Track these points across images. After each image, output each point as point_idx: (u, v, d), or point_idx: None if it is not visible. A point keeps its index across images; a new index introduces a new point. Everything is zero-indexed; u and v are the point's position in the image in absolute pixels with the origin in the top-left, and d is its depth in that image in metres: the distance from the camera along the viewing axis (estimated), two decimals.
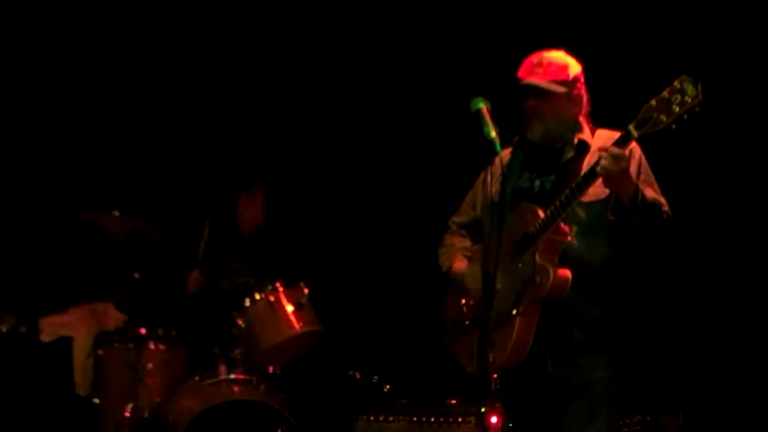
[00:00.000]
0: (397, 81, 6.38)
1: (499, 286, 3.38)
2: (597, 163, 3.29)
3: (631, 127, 3.24)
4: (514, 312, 3.46)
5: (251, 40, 6.57)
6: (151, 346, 5.43)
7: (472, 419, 4.92)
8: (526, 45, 3.75)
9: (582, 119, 3.68)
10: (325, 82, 6.56)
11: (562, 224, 3.45)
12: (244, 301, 5.49)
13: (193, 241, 6.16)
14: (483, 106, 3.30)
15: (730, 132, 5.47)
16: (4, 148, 6.40)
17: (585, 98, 3.69)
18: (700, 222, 5.53)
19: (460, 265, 3.85)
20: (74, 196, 6.29)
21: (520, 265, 3.51)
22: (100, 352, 5.50)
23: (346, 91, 6.52)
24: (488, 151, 3.25)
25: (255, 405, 5.05)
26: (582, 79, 3.67)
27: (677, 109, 3.11)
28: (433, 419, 5.09)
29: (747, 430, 5.57)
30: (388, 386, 5.67)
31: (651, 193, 3.45)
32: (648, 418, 5.17)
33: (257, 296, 5.47)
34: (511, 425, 3.64)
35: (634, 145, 3.38)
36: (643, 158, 3.56)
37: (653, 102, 3.18)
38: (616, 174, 3.26)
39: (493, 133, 3.23)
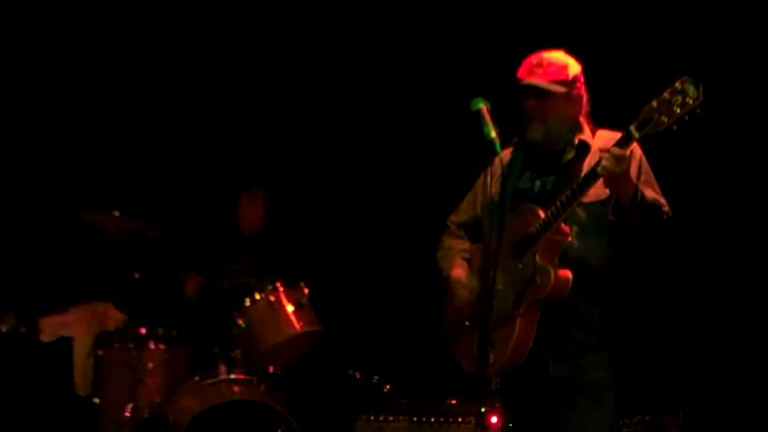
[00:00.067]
0: (397, 81, 6.38)
1: (499, 286, 3.39)
2: (598, 164, 3.29)
3: (632, 128, 3.24)
4: (515, 313, 3.46)
5: (251, 40, 6.57)
6: (152, 346, 5.43)
7: (472, 419, 4.92)
8: (526, 45, 3.75)
9: (582, 119, 3.68)
10: (325, 82, 6.55)
11: (563, 225, 3.45)
12: (244, 301, 5.48)
13: (193, 242, 6.17)
14: (483, 106, 3.31)
15: (731, 133, 5.47)
16: (5, 148, 6.40)
17: (585, 98, 3.69)
18: (701, 222, 5.53)
19: (458, 273, 3.85)
20: (74, 197, 6.29)
21: (520, 265, 3.50)
22: (100, 352, 5.50)
23: (346, 91, 6.52)
24: (488, 151, 3.25)
25: (255, 405, 5.05)
26: (582, 79, 3.67)
27: (678, 110, 3.11)
28: (433, 419, 5.09)
29: (747, 430, 5.57)
30: (388, 386, 5.67)
31: (651, 193, 3.45)
32: (648, 418, 5.17)
33: (257, 296, 5.47)
34: (511, 425, 3.64)
35: (634, 145, 3.38)
36: (644, 159, 3.56)
37: (654, 103, 3.18)
38: (617, 175, 3.26)
39: (493, 134, 3.24)
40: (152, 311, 5.76)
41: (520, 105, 3.65)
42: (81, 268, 6.48)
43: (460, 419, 5.03)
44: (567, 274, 3.45)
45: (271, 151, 6.67)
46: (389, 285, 6.57)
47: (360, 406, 5.29)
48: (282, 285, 5.49)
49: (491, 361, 3.32)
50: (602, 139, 3.57)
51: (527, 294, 3.47)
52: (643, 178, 3.51)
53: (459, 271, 3.85)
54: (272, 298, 5.45)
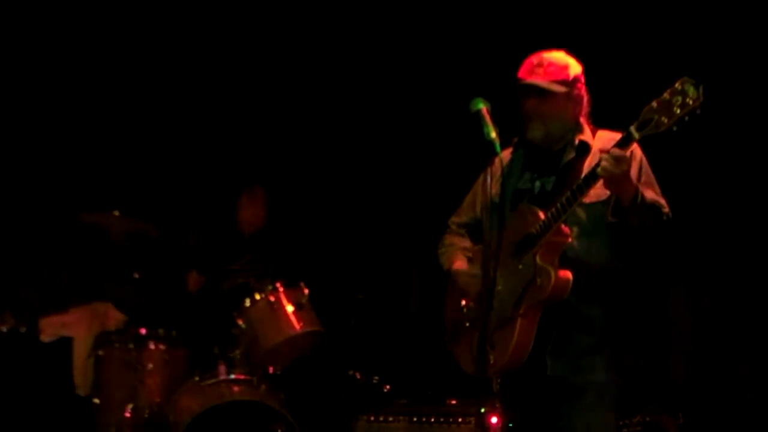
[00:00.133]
0: (397, 82, 6.38)
1: (499, 287, 3.39)
2: (598, 165, 3.28)
3: (632, 129, 3.23)
4: (515, 313, 3.46)
5: (251, 40, 6.57)
6: (152, 346, 5.44)
7: (472, 419, 4.92)
8: (526, 46, 3.74)
9: (582, 120, 3.68)
10: (325, 82, 6.56)
11: (563, 226, 3.44)
12: (244, 302, 5.49)
13: (192, 242, 6.17)
14: (483, 106, 3.29)
15: (731, 133, 5.47)
16: (5, 148, 6.40)
17: (585, 98, 3.68)
18: (701, 223, 5.53)
19: (460, 264, 3.85)
20: (74, 196, 6.30)
21: (520, 266, 3.50)
22: (100, 353, 5.50)
23: (346, 91, 6.52)
24: (488, 151, 3.25)
25: (255, 405, 5.05)
26: (582, 80, 3.66)
27: (678, 111, 3.10)
28: (433, 419, 5.09)
29: (747, 430, 5.57)
30: (388, 386, 5.67)
31: (651, 194, 3.44)
32: (648, 419, 5.17)
33: (257, 296, 5.47)
34: (510, 425, 3.64)
35: (635, 146, 3.38)
36: (644, 159, 3.55)
37: (654, 104, 3.17)
38: (617, 176, 3.25)
39: (493, 134, 3.23)
40: (152, 311, 5.77)
41: (521, 105, 3.64)
42: (81, 268, 6.49)
43: (460, 419, 5.03)
44: (567, 275, 3.45)
45: (271, 151, 6.67)
46: (399, 285, 6.57)
47: (360, 406, 5.29)
48: (282, 285, 5.49)
49: (491, 362, 3.32)
50: (602, 140, 3.56)
51: (527, 295, 3.46)
52: (643, 179, 3.50)
53: (461, 264, 3.85)
54: (272, 299, 5.45)
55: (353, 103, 6.53)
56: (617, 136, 3.33)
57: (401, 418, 5.15)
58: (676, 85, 3.13)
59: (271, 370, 5.46)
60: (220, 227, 6.21)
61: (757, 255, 5.62)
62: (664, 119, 3.14)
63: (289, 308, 5.45)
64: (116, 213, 5.54)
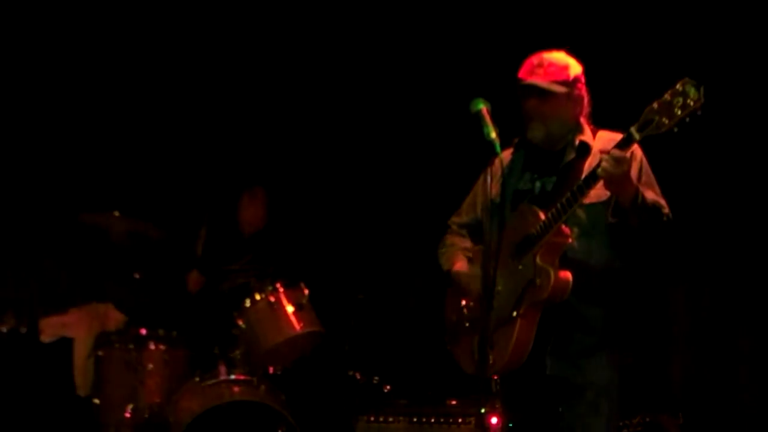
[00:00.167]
0: (397, 82, 6.38)
1: (499, 287, 3.39)
2: (598, 166, 3.28)
3: (632, 130, 3.23)
4: (515, 314, 3.46)
5: (252, 40, 6.57)
6: (152, 346, 5.44)
7: (472, 420, 4.92)
8: (526, 46, 3.75)
9: (583, 120, 3.68)
10: (325, 82, 6.56)
11: (563, 226, 3.44)
12: (244, 302, 5.49)
13: (193, 242, 6.16)
14: (483, 107, 3.29)
15: (731, 134, 5.47)
16: (5, 148, 6.40)
17: (586, 99, 3.68)
18: (701, 223, 5.53)
19: (461, 265, 3.85)
20: (75, 197, 6.30)
21: (520, 267, 3.50)
22: (100, 353, 5.50)
23: (347, 91, 6.52)
24: (488, 152, 3.25)
25: (255, 406, 5.05)
26: (583, 80, 3.66)
27: (679, 112, 3.10)
28: (433, 420, 5.09)
29: (747, 430, 5.58)
30: (388, 387, 5.67)
31: (652, 195, 3.44)
32: (648, 419, 5.17)
33: (257, 297, 5.47)
34: (510, 425, 3.64)
35: (635, 146, 3.38)
36: (645, 160, 3.55)
37: (655, 105, 3.17)
38: (617, 177, 3.25)
39: (493, 134, 3.23)
40: (152, 312, 5.77)
41: (521, 105, 3.64)
42: (81, 269, 6.49)
43: (460, 420, 5.03)
44: (567, 275, 3.45)
45: (272, 151, 6.67)
46: (399, 285, 6.57)
47: (360, 406, 5.29)
48: (282, 285, 5.49)
49: (491, 362, 3.31)
50: (603, 140, 3.56)
51: (527, 295, 3.46)
52: (643, 179, 3.50)
53: (461, 265, 3.85)
54: (272, 299, 5.45)
55: (353, 103, 6.53)
56: (618, 136, 3.33)
57: (401, 418, 5.15)
58: (677, 86, 3.13)
59: (271, 370, 5.47)
60: (220, 227, 6.21)
61: (756, 255, 5.62)
62: (665, 120, 3.13)
63: (290, 308, 5.45)
64: (116, 213, 5.54)
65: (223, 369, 5.25)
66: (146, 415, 5.30)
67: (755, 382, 5.67)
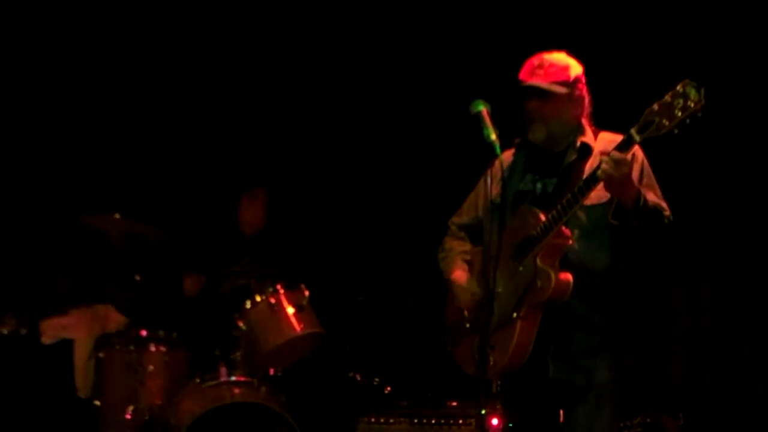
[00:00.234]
0: (398, 83, 6.38)
1: (499, 289, 3.39)
2: (598, 167, 3.28)
3: (633, 132, 3.23)
4: (515, 315, 3.46)
5: (252, 41, 6.57)
6: (152, 348, 5.43)
7: (473, 421, 4.92)
8: (526, 47, 3.75)
9: (584, 121, 3.68)
10: (326, 84, 6.56)
11: (564, 228, 3.44)
12: (244, 303, 5.48)
13: (192, 244, 6.17)
14: (483, 108, 3.29)
15: (731, 135, 5.48)
16: (5, 150, 6.40)
17: (587, 99, 3.68)
18: (701, 224, 5.53)
19: (458, 275, 3.85)
20: (75, 199, 6.30)
21: (521, 268, 3.50)
22: (100, 355, 5.49)
23: (347, 93, 6.52)
24: (489, 153, 3.25)
25: (256, 407, 5.05)
26: (583, 80, 3.66)
27: (679, 114, 3.09)
28: (433, 421, 5.10)
29: (747, 430, 5.58)
30: (389, 388, 5.68)
31: (653, 197, 3.44)
32: (648, 420, 5.17)
33: (258, 298, 5.47)
34: (511, 425, 3.64)
35: (636, 148, 3.38)
36: (646, 162, 3.54)
37: (655, 106, 3.16)
38: (617, 179, 3.25)
39: (493, 136, 3.23)
40: (153, 313, 5.76)
41: (522, 107, 3.64)
42: (82, 271, 6.48)
43: (460, 421, 5.04)
44: (568, 277, 3.45)
45: (272, 153, 6.67)
46: (399, 287, 6.57)
47: (361, 408, 5.29)
48: (282, 287, 5.49)
49: (491, 363, 3.32)
50: (604, 142, 3.56)
51: (528, 297, 3.46)
52: (645, 181, 3.50)
53: (460, 274, 3.85)
54: (273, 300, 5.44)
55: (353, 104, 6.54)
56: (619, 137, 3.33)
57: (402, 419, 5.16)
58: (678, 87, 3.12)
59: (271, 371, 5.46)
60: (220, 229, 6.21)
61: (757, 256, 5.63)
62: (666, 122, 3.13)
63: (290, 310, 5.45)
64: (117, 216, 5.53)
65: (223, 370, 5.24)
66: (147, 417, 5.29)
67: (755, 382, 5.67)
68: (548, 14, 5.80)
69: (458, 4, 6.17)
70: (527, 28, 5.76)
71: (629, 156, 3.27)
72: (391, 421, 5.15)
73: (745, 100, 5.43)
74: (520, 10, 5.94)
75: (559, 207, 3.40)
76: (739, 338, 5.76)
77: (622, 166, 3.23)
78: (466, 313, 3.76)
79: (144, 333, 5.47)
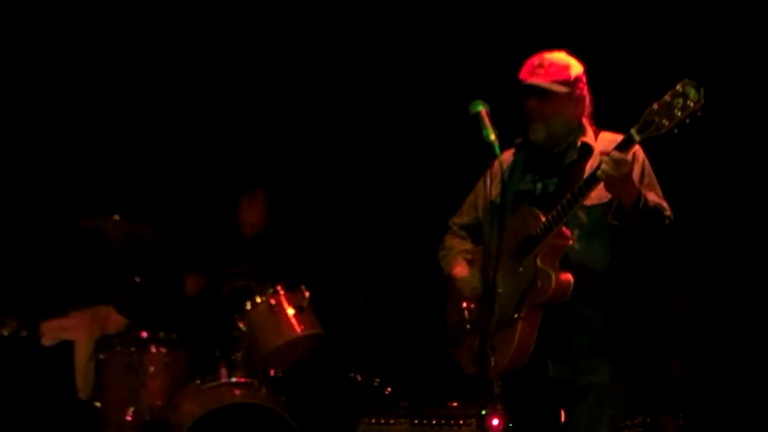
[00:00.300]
0: (397, 84, 6.38)
1: (500, 290, 3.39)
2: (598, 167, 3.28)
3: (633, 132, 3.22)
4: (516, 316, 3.46)
5: (252, 42, 6.57)
6: (153, 349, 5.44)
7: (473, 421, 4.92)
8: (526, 47, 3.75)
9: (585, 120, 3.67)
10: (325, 84, 6.56)
11: (564, 228, 3.44)
12: (245, 304, 5.48)
13: (192, 245, 6.17)
14: (482, 109, 3.28)
15: (731, 134, 5.48)
16: (4, 152, 6.40)
17: (587, 99, 3.68)
18: (702, 223, 5.53)
19: (459, 270, 3.84)
20: (75, 201, 6.30)
21: (521, 269, 3.50)
22: (101, 356, 5.50)
23: (347, 93, 6.52)
24: (488, 153, 3.25)
25: (256, 408, 5.05)
26: (584, 80, 3.66)
27: (679, 114, 3.09)
28: (434, 421, 5.09)
29: (747, 430, 5.58)
30: (389, 389, 5.68)
31: (653, 197, 3.43)
32: (648, 419, 5.17)
33: (258, 299, 5.47)
34: (511, 425, 3.64)
35: (637, 148, 3.38)
36: (647, 161, 3.54)
37: (655, 106, 3.16)
38: (617, 179, 3.25)
39: (492, 136, 3.22)
40: (153, 315, 5.77)
41: (522, 106, 3.64)
42: (82, 272, 6.48)
43: (461, 421, 5.03)
44: (568, 277, 3.45)
45: (272, 153, 6.67)
46: (399, 287, 6.57)
47: (361, 408, 5.29)
48: (283, 288, 5.49)
49: (492, 364, 3.32)
50: (605, 141, 3.55)
51: (528, 297, 3.46)
52: (645, 180, 3.49)
53: (461, 269, 3.84)
54: (273, 301, 5.44)
55: (353, 105, 6.54)
56: (619, 137, 3.32)
57: (402, 420, 5.15)
58: (677, 87, 3.12)
59: (272, 372, 5.46)
60: (220, 230, 6.21)
61: (757, 255, 5.63)
62: (665, 122, 3.13)
63: (290, 311, 5.45)
64: (116, 217, 5.53)
65: (224, 371, 5.24)
66: (147, 418, 5.29)
67: (756, 382, 5.67)
68: (548, 14, 5.80)
69: (458, 4, 6.17)
70: (527, 27, 5.75)
71: (629, 156, 3.27)
72: (392, 421, 5.15)
73: (745, 100, 5.43)
74: (520, 9, 5.93)
75: (559, 207, 3.40)
76: (738, 338, 5.76)
77: (622, 166, 3.23)
78: (466, 314, 3.76)
79: (144, 334, 5.47)
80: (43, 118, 6.50)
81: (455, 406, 5.14)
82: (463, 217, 4.01)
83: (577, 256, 3.50)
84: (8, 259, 6.36)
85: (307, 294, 5.51)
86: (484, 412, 3.23)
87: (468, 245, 3.94)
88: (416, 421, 5.11)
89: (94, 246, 6.15)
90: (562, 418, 3.55)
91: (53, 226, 6.35)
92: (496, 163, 3.26)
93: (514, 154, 3.77)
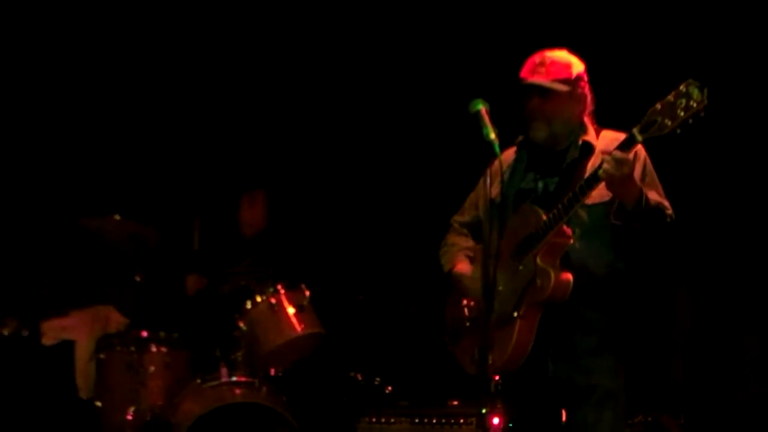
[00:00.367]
0: (397, 83, 6.39)
1: (500, 288, 3.38)
2: (600, 167, 3.27)
3: (635, 131, 3.22)
4: (515, 314, 3.46)
5: (252, 42, 6.58)
6: (153, 349, 5.43)
7: (474, 420, 4.92)
8: (526, 46, 3.74)
9: (586, 119, 3.66)
10: (326, 84, 6.56)
11: (565, 227, 3.44)
12: (245, 304, 5.48)
13: (191, 242, 6.17)
14: (482, 107, 3.27)
15: (732, 134, 5.47)
16: (5, 152, 6.40)
17: (589, 97, 3.67)
18: (703, 223, 5.53)
19: (461, 266, 3.84)
20: (75, 201, 6.30)
21: (521, 267, 3.50)
22: (101, 356, 5.49)
23: (347, 93, 6.52)
24: (488, 152, 3.25)
25: (257, 407, 5.05)
26: (585, 78, 3.65)
27: (682, 114, 3.08)
28: (434, 420, 5.09)
29: (748, 430, 5.58)
30: (389, 388, 5.68)
31: (655, 196, 3.42)
32: (650, 419, 5.18)
33: (258, 299, 5.47)
34: (511, 425, 3.64)
35: (639, 147, 3.37)
36: (648, 161, 3.53)
37: (658, 106, 3.15)
38: (618, 178, 3.24)
39: (492, 135, 3.22)
40: (154, 314, 5.77)
41: (524, 105, 3.63)
42: (82, 272, 6.49)
43: (461, 420, 5.03)
44: (568, 276, 3.44)
45: (272, 154, 6.67)
46: (400, 286, 6.57)
47: (362, 407, 5.29)
48: (283, 287, 5.49)
49: (490, 362, 3.31)
50: (606, 140, 3.55)
51: (528, 296, 3.46)
52: (647, 180, 3.48)
53: (463, 266, 3.84)
54: (273, 301, 5.45)
55: (353, 104, 6.54)
56: (621, 136, 3.32)
57: (403, 419, 5.15)
58: (681, 87, 3.10)
59: (272, 372, 5.46)
60: (221, 230, 6.21)
61: (758, 255, 5.63)
62: (668, 122, 3.11)
63: (290, 310, 5.45)
64: (117, 217, 5.53)
65: (224, 371, 5.24)
66: (148, 418, 5.29)
67: (756, 382, 5.67)
68: (549, 12, 5.80)
69: (458, 4, 6.17)
70: (528, 26, 5.75)
71: (631, 155, 3.27)
72: (392, 420, 5.15)
73: (747, 101, 5.43)
74: (520, 8, 5.93)
75: (560, 206, 3.39)
76: (740, 338, 5.76)
77: (623, 165, 3.22)
78: (466, 312, 3.75)
79: (145, 334, 5.47)
80: (43, 119, 6.51)
81: (455, 405, 5.14)
82: (465, 215, 4.00)
83: (578, 255, 3.49)
84: (9, 259, 6.36)
85: (307, 293, 5.51)
86: (484, 411, 3.22)
87: (470, 243, 3.94)
88: (416, 420, 5.10)
89: (94, 246, 6.16)
90: (563, 418, 3.54)
91: (54, 226, 6.35)
92: (496, 162, 3.25)
93: (516, 153, 3.77)
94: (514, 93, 3.62)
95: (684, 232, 3.65)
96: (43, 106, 6.48)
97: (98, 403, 5.46)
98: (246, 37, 6.56)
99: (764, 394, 5.61)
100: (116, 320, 6.14)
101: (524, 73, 3.61)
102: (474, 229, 3.94)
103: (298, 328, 5.43)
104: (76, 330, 6.14)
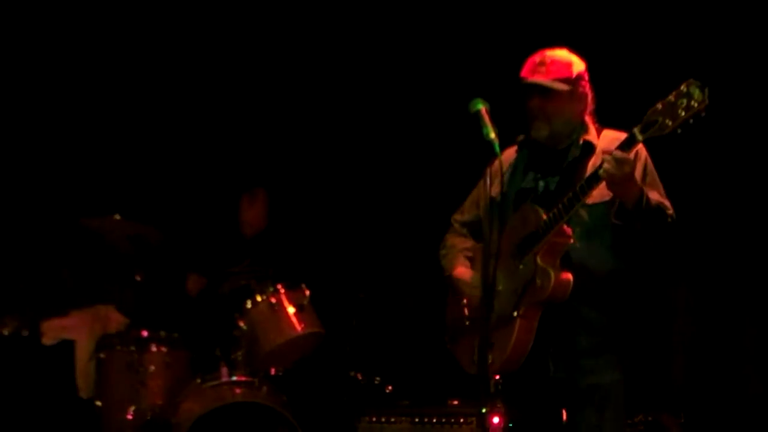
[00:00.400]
0: (397, 82, 6.38)
1: (500, 287, 3.38)
2: (600, 166, 3.27)
3: (635, 131, 3.21)
4: (515, 314, 3.46)
5: (252, 42, 6.58)
6: (153, 348, 5.44)
7: (474, 420, 4.92)
8: (527, 45, 3.74)
9: (588, 118, 3.66)
10: (326, 83, 6.56)
11: (565, 226, 3.43)
12: (245, 303, 5.48)
13: (193, 244, 6.17)
14: (482, 107, 3.27)
15: (733, 134, 5.47)
16: (6, 152, 6.40)
17: (590, 96, 3.66)
18: (704, 223, 5.53)
19: (460, 270, 3.84)
20: (76, 200, 6.30)
21: (521, 266, 3.49)
22: (102, 355, 5.50)
23: (347, 92, 6.52)
24: (489, 152, 3.25)
25: (257, 407, 5.05)
26: (586, 77, 3.64)
27: (683, 114, 3.08)
28: (435, 420, 5.09)
29: (748, 430, 5.58)
30: (390, 387, 5.68)
31: (656, 196, 3.41)
32: (650, 418, 5.18)
33: (258, 298, 5.47)
34: (511, 425, 3.64)
35: (640, 146, 3.36)
36: (649, 160, 3.52)
37: (659, 105, 3.15)
38: (619, 178, 3.23)
39: (492, 135, 3.22)
40: (154, 314, 5.77)
41: (524, 104, 3.63)
42: (83, 272, 6.49)
43: (461, 420, 5.03)
44: (568, 276, 3.44)
45: (272, 153, 6.67)
46: (400, 285, 6.57)
47: (362, 407, 5.29)
48: (283, 287, 5.49)
49: (490, 361, 3.31)
50: (607, 139, 3.54)
51: (527, 295, 3.45)
52: (648, 179, 3.48)
53: (462, 270, 3.84)
54: (273, 300, 5.45)
55: (354, 104, 6.54)
56: (622, 135, 3.32)
57: (403, 418, 5.15)
58: (682, 87, 3.10)
59: (272, 371, 5.46)
60: (221, 229, 6.21)
61: (758, 255, 5.62)
62: (669, 122, 3.11)
63: (291, 310, 5.45)
64: (117, 217, 5.53)
65: (224, 370, 5.24)
66: (148, 417, 5.29)
67: (757, 381, 5.67)
68: (550, 11, 5.79)
69: (458, 3, 6.17)
70: (528, 25, 5.75)
71: (632, 155, 3.26)
72: (393, 420, 5.15)
73: (748, 101, 5.43)
74: (520, 7, 5.93)
75: (560, 205, 3.39)
76: (740, 337, 5.76)
77: (624, 165, 3.22)
78: (465, 312, 3.75)
79: (145, 333, 5.48)
80: (44, 118, 6.50)
81: (456, 405, 5.13)
82: (465, 214, 4.00)
83: (578, 254, 3.49)
84: (9, 259, 6.36)
85: (307, 292, 5.51)
86: (484, 411, 3.22)
87: (469, 243, 3.93)
88: (417, 420, 5.10)
89: (94, 246, 6.16)
90: (564, 417, 3.54)
91: (54, 226, 6.35)
92: (497, 162, 3.25)
93: (517, 152, 3.76)
94: (514, 92, 3.62)
95: (685, 231, 3.64)
96: (43, 106, 6.48)
97: (98, 403, 5.47)
98: (246, 37, 6.56)
99: (765, 393, 5.61)
100: (116, 320, 6.14)
101: (525, 72, 3.61)
102: (474, 228, 3.93)
103: (298, 327, 5.43)
104: (76, 330, 6.14)
